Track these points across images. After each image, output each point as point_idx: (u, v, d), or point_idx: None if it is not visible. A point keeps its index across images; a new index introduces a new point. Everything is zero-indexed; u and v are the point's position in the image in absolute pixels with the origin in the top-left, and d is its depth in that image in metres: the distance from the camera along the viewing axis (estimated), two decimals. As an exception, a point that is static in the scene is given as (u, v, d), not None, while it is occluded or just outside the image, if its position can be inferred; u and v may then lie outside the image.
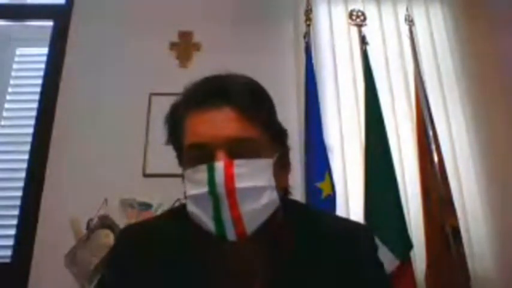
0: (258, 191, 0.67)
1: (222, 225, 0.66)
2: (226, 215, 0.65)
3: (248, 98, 0.70)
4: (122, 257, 0.76)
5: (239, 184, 0.65)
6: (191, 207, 0.69)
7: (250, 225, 0.66)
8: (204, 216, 0.67)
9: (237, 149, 0.67)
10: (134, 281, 0.72)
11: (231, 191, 0.65)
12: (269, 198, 0.68)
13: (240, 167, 0.66)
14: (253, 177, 0.67)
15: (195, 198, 0.68)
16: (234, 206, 0.65)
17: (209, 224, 0.67)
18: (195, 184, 0.67)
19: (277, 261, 0.71)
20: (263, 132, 0.70)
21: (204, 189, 0.65)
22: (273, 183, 0.69)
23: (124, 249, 0.78)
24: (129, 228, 0.88)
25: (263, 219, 0.68)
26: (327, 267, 0.72)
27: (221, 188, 0.65)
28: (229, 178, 0.65)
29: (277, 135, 0.75)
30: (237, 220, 0.65)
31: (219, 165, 0.65)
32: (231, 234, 0.66)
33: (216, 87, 0.71)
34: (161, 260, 0.72)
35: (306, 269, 0.71)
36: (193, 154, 0.69)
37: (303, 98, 1.91)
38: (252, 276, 0.71)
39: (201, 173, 0.66)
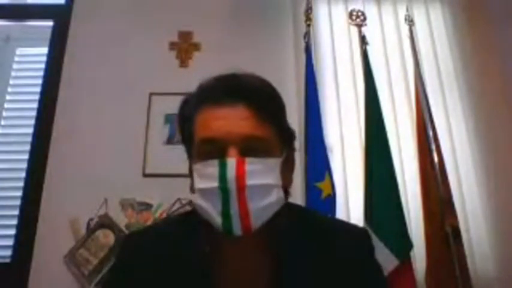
0: (267, 188, 0.68)
1: (229, 219, 0.66)
2: (234, 210, 0.66)
3: (263, 97, 0.71)
4: (127, 267, 0.76)
5: (250, 181, 0.66)
6: (199, 201, 0.69)
7: (257, 221, 0.67)
8: (211, 210, 0.67)
9: (249, 147, 0.68)
10: None
11: (241, 187, 0.66)
12: (276, 196, 0.69)
13: (252, 164, 0.67)
14: (263, 175, 0.68)
15: (204, 192, 0.68)
16: (243, 202, 0.66)
17: (216, 218, 0.67)
18: (205, 178, 0.68)
19: (280, 261, 0.72)
20: (274, 132, 0.72)
21: (215, 183, 0.66)
22: (280, 182, 0.71)
23: (129, 259, 0.77)
24: (134, 236, 0.87)
25: (269, 216, 0.69)
26: (326, 269, 0.72)
27: (232, 184, 0.65)
28: (241, 175, 0.66)
29: (287, 136, 0.76)
30: (245, 216, 0.66)
31: (232, 161, 0.66)
32: (237, 229, 0.66)
33: (232, 84, 0.72)
34: (160, 269, 0.73)
35: (307, 270, 0.72)
36: (205, 149, 0.70)
37: (303, 98, 1.91)
38: (256, 280, 0.72)
39: (212, 167, 0.67)
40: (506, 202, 1.85)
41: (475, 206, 1.92)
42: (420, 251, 1.75)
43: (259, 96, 0.71)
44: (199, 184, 0.69)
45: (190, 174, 0.74)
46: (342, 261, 0.74)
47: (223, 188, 0.66)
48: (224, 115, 0.69)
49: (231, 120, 0.68)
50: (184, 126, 0.76)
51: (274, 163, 0.70)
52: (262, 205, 0.67)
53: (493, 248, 1.85)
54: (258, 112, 0.69)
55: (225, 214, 0.66)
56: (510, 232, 1.82)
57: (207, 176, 0.68)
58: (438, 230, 1.70)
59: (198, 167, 0.70)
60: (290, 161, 0.78)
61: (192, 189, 0.72)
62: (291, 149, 0.78)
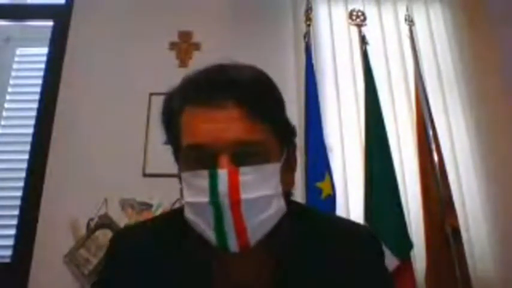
0: (265, 201, 0.61)
1: (224, 236, 0.60)
2: (229, 227, 0.59)
3: (256, 93, 0.62)
4: (116, 265, 0.72)
5: (245, 195, 0.59)
6: (189, 215, 0.63)
7: (255, 237, 0.61)
8: (204, 226, 0.61)
9: (243, 153, 0.60)
10: None
11: (235, 202, 0.58)
12: (276, 207, 0.62)
13: (246, 175, 0.59)
14: (260, 185, 0.60)
15: (194, 206, 0.62)
16: (238, 218, 0.59)
17: (209, 234, 0.61)
18: (195, 191, 0.61)
19: (281, 271, 0.67)
20: (271, 133, 0.63)
21: (205, 198, 0.59)
22: (280, 189, 0.63)
23: (119, 256, 0.73)
24: (124, 233, 0.83)
25: (268, 229, 0.62)
26: (330, 272, 0.67)
27: (225, 199, 0.58)
28: (234, 188, 0.58)
29: (286, 134, 0.69)
30: (241, 232, 0.59)
31: (223, 173, 0.58)
32: (233, 246, 0.60)
33: (220, 80, 0.63)
34: (158, 269, 0.68)
35: (309, 272, 0.67)
36: (192, 156, 0.62)
37: (303, 98, 1.91)
38: (255, 280, 0.69)
39: (201, 179, 0.59)
40: (506, 202, 1.85)
41: (475, 206, 1.92)
42: (420, 251, 1.75)
43: (252, 92, 0.62)
44: (188, 197, 0.62)
45: (179, 180, 0.66)
46: (346, 264, 0.69)
47: (215, 203, 0.58)
48: (212, 117, 0.60)
49: (220, 123, 0.60)
50: (169, 126, 0.68)
51: (273, 169, 0.63)
52: (260, 220, 0.60)
53: (493, 248, 1.85)
54: (251, 111, 0.60)
55: (219, 231, 0.60)
56: (510, 232, 1.81)
57: (196, 188, 0.60)
58: (438, 230, 1.70)
59: (186, 176, 0.63)
60: (291, 160, 0.70)
61: (182, 195, 0.65)
62: (292, 147, 0.71)
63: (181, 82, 0.68)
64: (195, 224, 0.63)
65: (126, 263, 0.71)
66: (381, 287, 0.72)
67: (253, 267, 0.69)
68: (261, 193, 0.60)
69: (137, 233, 0.77)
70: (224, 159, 0.59)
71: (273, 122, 0.64)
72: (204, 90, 0.62)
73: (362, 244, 0.73)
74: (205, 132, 0.60)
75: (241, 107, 0.60)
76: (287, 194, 0.69)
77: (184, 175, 0.63)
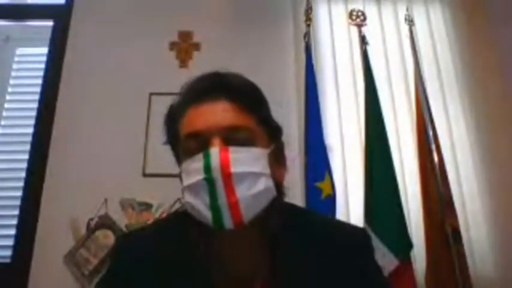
0: (254, 176, 0.67)
1: (219, 212, 0.65)
2: (222, 201, 0.65)
3: (245, 92, 0.73)
4: (122, 268, 0.75)
5: (235, 169, 0.65)
6: (188, 198, 0.68)
7: (247, 213, 0.65)
8: (200, 206, 0.66)
9: (233, 137, 0.68)
10: None
11: (227, 175, 0.65)
12: (265, 184, 0.68)
13: (236, 153, 0.67)
14: (248, 163, 0.67)
15: (191, 187, 0.68)
16: (230, 191, 0.65)
17: (206, 213, 0.66)
18: (192, 173, 0.67)
19: (277, 260, 0.71)
20: (259, 125, 0.72)
21: (200, 176, 0.65)
22: (268, 171, 0.70)
23: (122, 258, 0.77)
24: (127, 236, 0.88)
25: (260, 207, 0.67)
26: (324, 268, 0.71)
27: (217, 173, 0.65)
28: (225, 163, 0.65)
29: (272, 130, 0.76)
30: (234, 206, 0.65)
31: (215, 150, 0.66)
32: (228, 222, 0.65)
33: (213, 81, 0.73)
34: (160, 270, 0.72)
35: (304, 269, 0.71)
36: (189, 145, 0.70)
37: (303, 98, 1.91)
38: (252, 277, 0.72)
39: (197, 162, 0.67)
40: (506, 202, 1.85)
41: (475, 206, 1.92)
42: (420, 251, 1.75)
43: (241, 91, 0.72)
44: (186, 181, 0.69)
45: (179, 178, 0.73)
46: (340, 261, 0.72)
47: (209, 179, 0.65)
48: (206, 110, 0.70)
49: (213, 114, 0.69)
50: (172, 127, 0.76)
51: (260, 152, 0.70)
52: (251, 194, 0.66)
53: (493, 248, 1.85)
54: (239, 105, 0.70)
55: (214, 207, 0.65)
56: (510, 232, 1.82)
57: (193, 171, 0.67)
58: (438, 230, 1.70)
59: (184, 165, 0.70)
60: (280, 155, 0.77)
61: (183, 187, 0.71)
62: (279, 144, 0.78)
63: (182, 88, 0.77)
64: (192, 207, 0.68)
65: (129, 265, 0.74)
66: (376, 286, 0.75)
67: (251, 262, 0.72)
68: (250, 169, 0.67)
69: (140, 236, 0.82)
70: (216, 140, 0.67)
71: (259, 117, 0.73)
72: (201, 91, 0.72)
73: (356, 243, 0.77)
74: (202, 122, 0.69)
75: (232, 102, 0.70)
76: (279, 190, 0.73)
77: (183, 165, 0.70)
